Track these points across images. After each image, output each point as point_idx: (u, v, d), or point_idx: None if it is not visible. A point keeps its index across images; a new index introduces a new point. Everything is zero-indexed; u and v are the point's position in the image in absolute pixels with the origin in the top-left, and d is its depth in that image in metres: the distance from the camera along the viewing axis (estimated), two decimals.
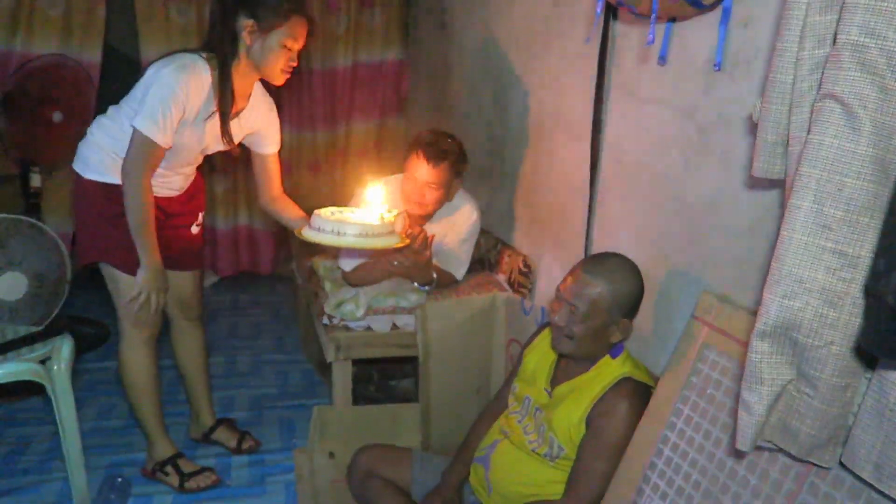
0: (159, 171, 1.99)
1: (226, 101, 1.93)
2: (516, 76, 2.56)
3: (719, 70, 1.43)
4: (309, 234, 1.88)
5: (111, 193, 1.98)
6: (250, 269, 4.25)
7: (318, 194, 4.18)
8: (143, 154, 1.87)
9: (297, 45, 1.90)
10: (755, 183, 1.33)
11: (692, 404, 1.36)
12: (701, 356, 1.38)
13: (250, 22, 1.85)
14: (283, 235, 4.21)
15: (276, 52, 1.88)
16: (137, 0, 3.59)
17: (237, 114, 2.03)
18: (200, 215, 2.29)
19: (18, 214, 2.48)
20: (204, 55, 1.91)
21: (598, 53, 1.88)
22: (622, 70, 1.82)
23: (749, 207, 1.37)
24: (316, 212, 1.89)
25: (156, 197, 2.00)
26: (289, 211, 2.21)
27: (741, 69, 1.38)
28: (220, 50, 1.90)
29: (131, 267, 2.02)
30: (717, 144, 1.46)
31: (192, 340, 2.41)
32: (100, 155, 1.98)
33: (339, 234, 1.82)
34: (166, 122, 1.85)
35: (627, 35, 1.79)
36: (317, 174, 4.23)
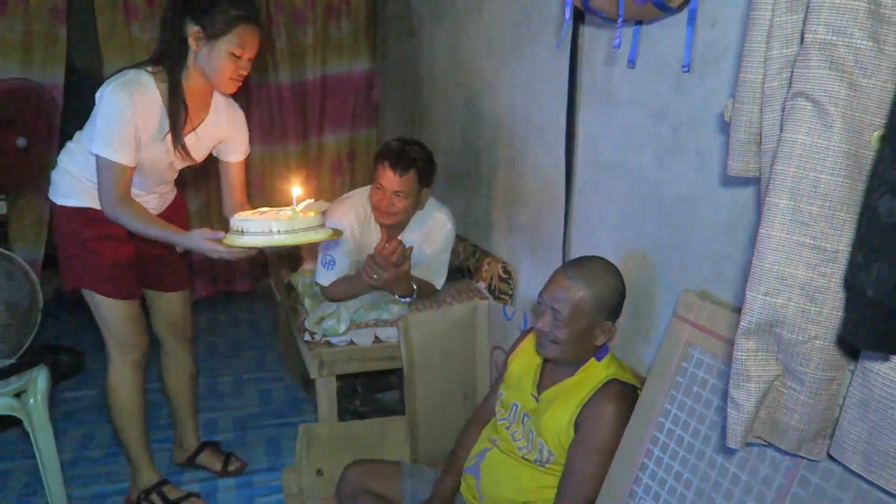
0: (134, 192, 1.95)
1: (176, 113, 1.89)
2: (488, 82, 2.57)
3: (688, 71, 1.44)
4: (234, 240, 1.76)
5: (84, 217, 1.97)
6: (227, 287, 4.20)
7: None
8: (111, 178, 1.85)
9: (246, 54, 1.86)
10: (731, 180, 1.34)
11: (679, 403, 1.37)
12: (685, 355, 1.39)
13: (196, 28, 1.82)
14: (260, 252, 4.17)
15: (224, 60, 1.84)
16: (99, 18, 3.54)
17: (196, 126, 1.99)
18: None
19: None
20: (149, 69, 1.88)
21: (568, 58, 1.89)
22: (593, 73, 1.83)
23: (726, 204, 1.38)
24: (236, 215, 1.80)
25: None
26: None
27: (710, 69, 1.40)
28: (169, 59, 1.87)
29: (111, 290, 2.02)
30: (691, 143, 1.48)
31: (181, 363, 2.38)
32: (70, 181, 1.98)
33: (269, 232, 1.72)
34: (122, 140, 1.82)
35: (597, 38, 1.81)
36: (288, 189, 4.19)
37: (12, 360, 2.01)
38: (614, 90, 1.74)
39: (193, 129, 1.98)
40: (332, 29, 4.07)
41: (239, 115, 2.12)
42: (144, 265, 2.13)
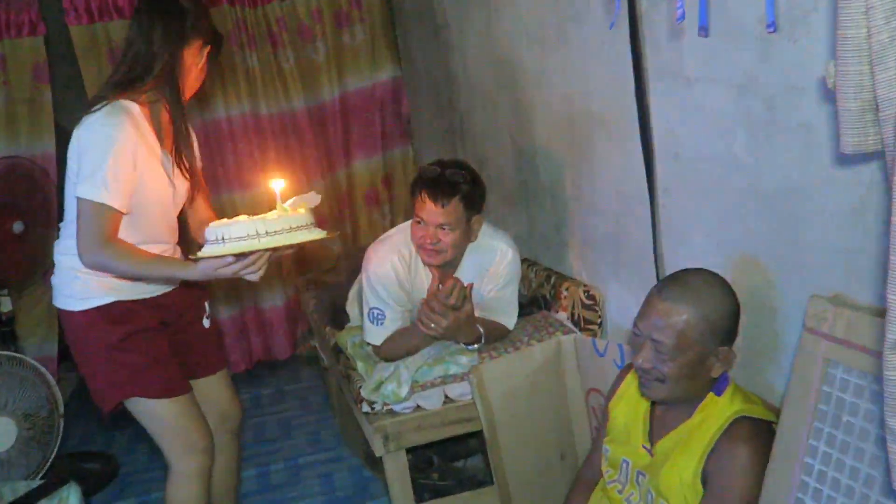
0: (151, 248, 2.03)
1: (180, 130, 2.06)
2: (534, 77, 2.58)
3: (775, 31, 1.42)
4: (210, 251, 1.76)
5: (110, 315, 2.03)
6: (265, 357, 4.30)
7: (330, 254, 4.24)
8: (96, 222, 1.88)
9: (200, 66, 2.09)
10: (848, 157, 1.31)
11: (828, 438, 1.33)
12: (825, 377, 1.35)
13: (206, 45, 2.06)
14: (296, 309, 4.27)
15: (203, 65, 2.08)
16: (85, 72, 3.74)
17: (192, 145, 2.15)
18: (206, 305, 2.33)
19: None
20: (119, 94, 1.97)
21: (628, 35, 1.89)
22: (658, 50, 1.83)
23: (846, 187, 1.35)
24: (212, 224, 1.82)
25: (152, 298, 2.10)
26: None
27: (800, 26, 1.38)
28: (161, 76, 2.00)
29: (163, 389, 2.07)
30: (790, 118, 1.45)
31: (229, 457, 2.42)
32: (82, 279, 2.02)
33: (258, 235, 1.73)
34: (117, 179, 1.88)
35: (657, 7, 1.80)
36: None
37: (40, 482, 2.11)
38: (686, 66, 1.73)
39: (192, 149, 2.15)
40: (344, 39, 4.18)
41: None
42: (184, 349, 2.21)
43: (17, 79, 3.66)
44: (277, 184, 1.85)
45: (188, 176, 2.11)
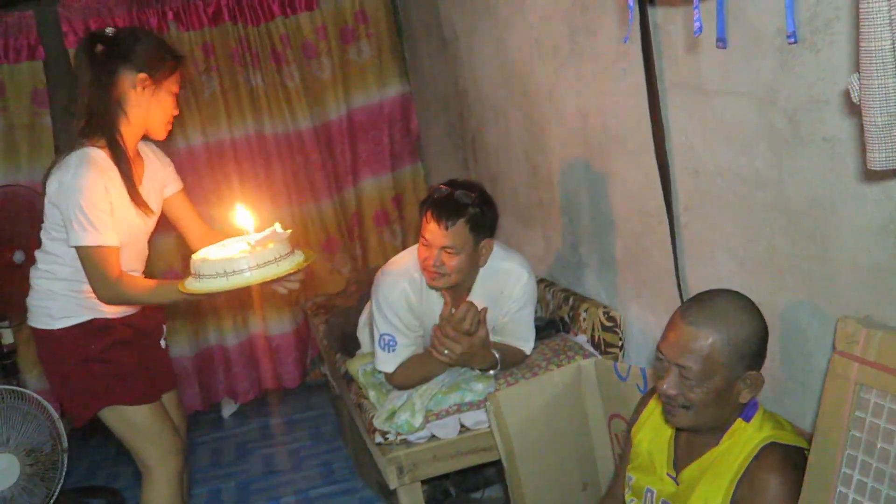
0: (90, 294, 2.17)
1: (127, 168, 2.15)
2: (546, 91, 2.59)
3: (795, 42, 1.42)
4: (196, 286, 1.93)
5: (89, 330, 2.22)
6: (274, 386, 4.31)
7: (339, 277, 4.25)
8: (103, 263, 2.08)
9: (178, 90, 2.23)
10: (875, 172, 1.31)
11: (862, 466, 1.31)
12: (858, 401, 1.34)
13: (143, 76, 2.12)
14: (305, 335, 4.27)
15: (166, 101, 2.19)
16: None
17: (142, 178, 2.25)
18: (164, 328, 2.51)
19: None
20: (85, 142, 2.11)
21: (640, 48, 1.90)
22: (675, 63, 1.83)
23: (875, 202, 1.35)
24: (194, 257, 1.99)
25: (122, 318, 2.27)
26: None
27: (822, 36, 1.38)
28: (104, 117, 2.11)
29: (141, 395, 2.25)
30: (815, 131, 1.45)
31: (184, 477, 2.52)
32: (62, 300, 2.21)
33: (229, 273, 1.89)
34: (104, 221, 2.07)
35: (672, 19, 1.81)
36: (332, 254, 4.30)
37: None
38: (704, 79, 1.74)
39: (140, 183, 2.25)
40: (350, 55, 4.22)
41: (162, 154, 2.43)
42: (149, 364, 2.36)
43: (17, 104, 3.71)
44: (245, 218, 2.04)
45: (146, 211, 2.23)
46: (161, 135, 2.24)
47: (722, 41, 1.63)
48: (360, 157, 4.33)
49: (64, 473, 2.74)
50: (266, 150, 4.11)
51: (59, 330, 2.21)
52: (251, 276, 1.92)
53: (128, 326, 2.30)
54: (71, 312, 2.21)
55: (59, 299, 2.21)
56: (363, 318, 2.77)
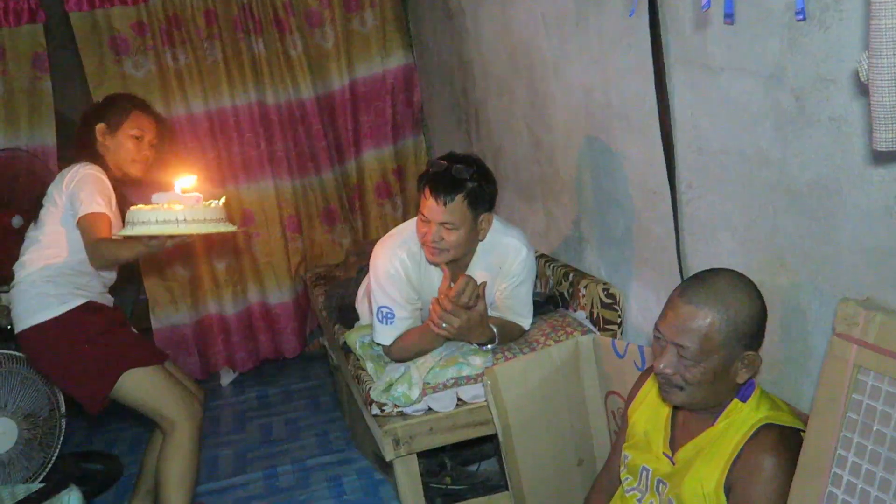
0: (84, 280, 2.50)
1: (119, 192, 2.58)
2: (552, 64, 2.57)
3: (804, 19, 1.40)
4: (131, 231, 2.18)
5: (90, 310, 2.48)
6: (273, 355, 4.32)
7: (338, 249, 4.25)
8: (96, 228, 2.36)
9: (146, 136, 2.62)
10: (882, 154, 1.29)
11: (857, 448, 1.31)
12: (855, 383, 1.34)
13: (102, 125, 2.59)
14: (305, 306, 4.28)
15: (127, 145, 2.59)
16: (86, 61, 3.76)
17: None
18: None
19: None
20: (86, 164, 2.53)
21: (647, 23, 1.87)
22: (681, 38, 1.81)
23: (879, 184, 1.33)
24: (132, 209, 2.24)
25: (103, 303, 2.57)
26: None
27: (832, 14, 1.35)
28: (90, 158, 2.56)
29: (151, 356, 2.53)
30: (821, 111, 1.43)
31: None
32: (58, 288, 2.45)
33: (166, 221, 2.16)
34: (106, 199, 2.44)
35: None
36: (333, 225, 4.30)
37: (40, 486, 2.13)
38: (711, 55, 1.71)
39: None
40: (354, 24, 4.18)
41: None
42: (140, 340, 2.65)
43: (17, 68, 3.68)
44: (185, 180, 2.32)
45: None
46: (134, 173, 2.63)
47: (730, 17, 1.61)
48: (363, 128, 4.31)
49: (62, 438, 2.76)
50: (268, 118, 4.08)
51: (62, 315, 2.43)
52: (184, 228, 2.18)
53: (112, 310, 2.60)
54: (72, 295, 2.46)
55: (58, 287, 2.46)
56: (362, 290, 2.77)
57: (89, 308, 2.48)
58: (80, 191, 2.42)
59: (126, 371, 2.44)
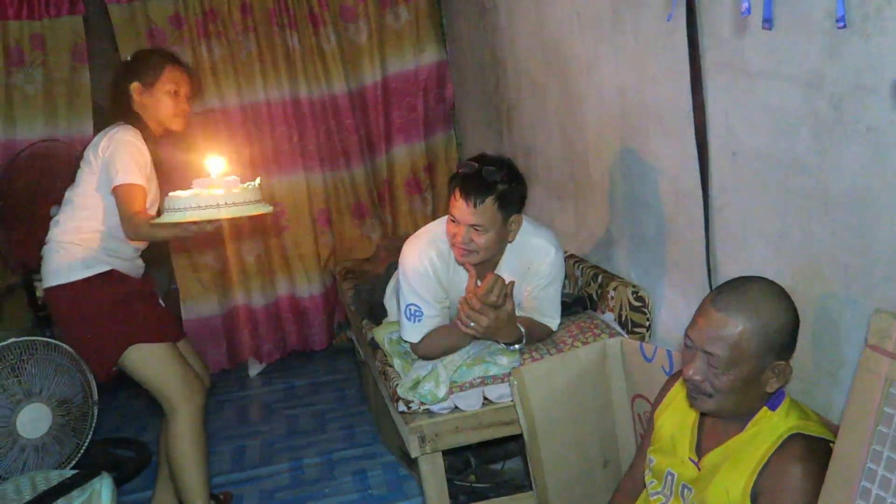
0: (114, 245, 2.51)
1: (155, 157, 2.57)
2: (586, 64, 2.56)
3: (845, 26, 1.39)
4: (167, 218, 2.20)
5: (111, 279, 2.50)
6: (300, 347, 4.35)
7: (369, 243, 4.27)
8: (134, 200, 2.38)
9: (182, 89, 2.59)
10: None
11: (888, 462, 1.30)
12: (888, 397, 1.32)
13: (136, 84, 2.55)
14: (334, 299, 4.31)
15: (165, 101, 2.56)
16: (123, 53, 3.81)
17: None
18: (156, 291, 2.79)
19: (28, 333, 2.65)
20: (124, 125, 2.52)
21: (685, 25, 1.86)
22: (719, 42, 1.79)
23: None
24: (170, 194, 2.23)
25: (131, 275, 2.58)
26: None
27: (873, 22, 1.34)
28: (126, 118, 2.54)
29: (164, 334, 2.56)
30: (859, 120, 1.42)
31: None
32: (85, 252, 2.47)
33: (201, 207, 2.15)
34: (141, 168, 2.44)
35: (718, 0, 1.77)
36: (362, 220, 4.32)
37: (73, 472, 2.17)
38: (748, 60, 1.70)
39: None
40: (388, 19, 4.19)
41: None
42: (164, 315, 2.69)
43: (56, 59, 3.75)
44: (215, 163, 2.29)
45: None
46: (176, 128, 2.60)
47: (768, 22, 1.60)
48: (394, 123, 4.33)
49: (94, 425, 2.81)
50: (300, 113, 4.12)
51: (83, 280, 2.47)
52: (222, 211, 2.17)
53: (138, 281, 2.62)
54: (94, 263, 2.48)
55: (86, 251, 2.48)
56: (390, 287, 2.79)
57: (111, 277, 2.51)
58: (115, 159, 2.42)
59: (133, 345, 2.48)
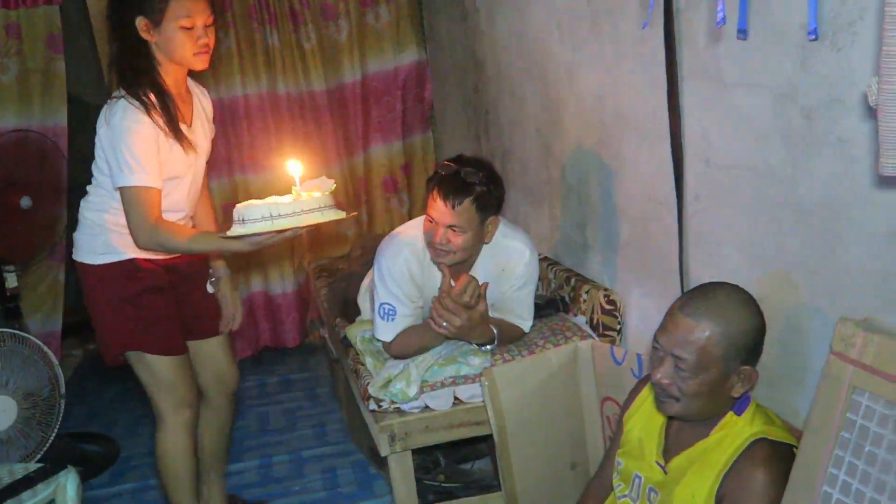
0: (169, 216, 2.23)
1: (168, 108, 2.18)
2: (564, 69, 2.57)
3: (816, 38, 1.41)
4: (236, 230, 1.99)
5: (128, 270, 2.27)
6: (273, 344, 4.33)
7: (344, 241, 4.26)
8: (142, 204, 2.11)
9: (197, 21, 2.13)
10: (888, 179, 1.30)
11: (849, 468, 1.32)
12: (850, 403, 1.34)
13: (143, 21, 2.11)
14: (307, 296, 4.29)
15: (177, 37, 2.12)
16: (99, 43, 3.77)
17: (191, 119, 2.30)
18: (212, 271, 2.54)
19: None
20: (121, 93, 2.14)
21: (662, 33, 1.88)
22: (695, 50, 1.82)
23: (885, 208, 1.34)
24: (237, 206, 2.02)
25: (155, 261, 2.30)
26: (202, 212, 2.49)
27: (844, 35, 1.36)
28: (136, 67, 2.16)
29: (161, 346, 2.31)
30: (830, 131, 1.44)
31: (225, 418, 2.66)
32: (103, 235, 2.25)
33: (272, 217, 1.94)
34: (148, 161, 2.11)
35: (696, 7, 1.79)
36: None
37: (38, 465, 2.14)
38: (723, 70, 1.72)
39: (192, 118, 2.30)
40: (369, 19, 4.19)
41: (205, 92, 2.47)
42: (183, 313, 2.42)
43: (32, 48, 3.70)
44: (295, 167, 2.03)
45: (188, 150, 2.24)
46: (196, 65, 2.20)
47: (743, 32, 1.62)
48: (372, 122, 4.32)
49: (60, 419, 2.78)
50: (278, 110, 4.10)
51: (99, 266, 2.27)
52: (295, 220, 1.95)
53: (167, 270, 2.34)
54: (114, 249, 2.25)
55: (104, 234, 2.25)
56: (364, 285, 2.78)
57: (129, 267, 2.26)
58: (115, 155, 2.11)
59: (133, 351, 2.31)
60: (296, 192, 2.00)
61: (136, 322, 2.29)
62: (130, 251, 2.25)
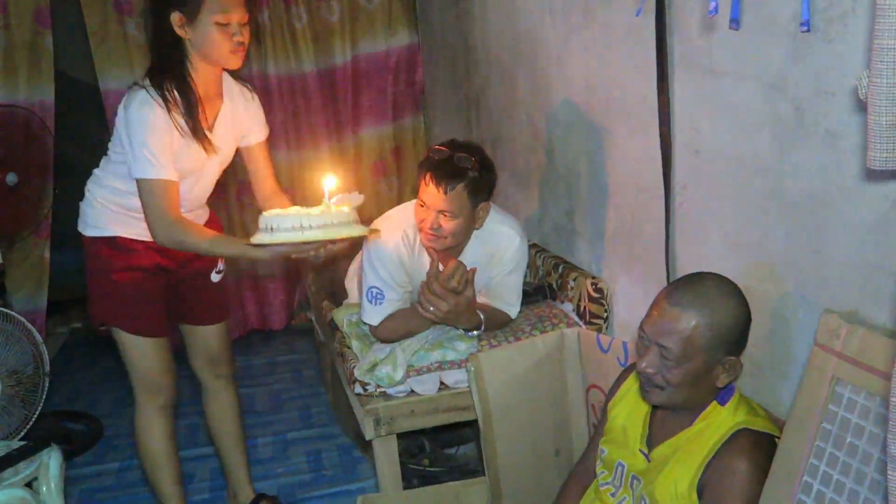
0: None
1: (192, 107, 2.16)
2: (556, 56, 2.56)
3: (808, 30, 1.41)
4: (263, 238, 1.97)
5: (113, 246, 2.27)
6: (259, 326, 4.33)
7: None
8: (157, 197, 2.11)
9: (233, 18, 2.08)
10: (875, 173, 1.30)
11: (829, 458, 1.33)
12: (833, 395, 1.36)
13: (178, 16, 2.08)
14: (295, 279, 4.29)
15: (212, 34, 2.08)
16: (87, 18, 3.73)
17: (215, 117, 2.26)
18: (220, 261, 2.50)
19: None
20: (145, 83, 2.13)
21: (654, 21, 1.87)
22: (687, 40, 1.81)
23: (872, 201, 1.34)
24: (265, 213, 2.03)
25: (144, 242, 2.27)
26: (279, 202, 2.41)
27: (836, 27, 1.36)
28: (168, 61, 2.14)
29: (136, 327, 2.31)
30: (819, 123, 1.44)
31: (224, 403, 2.63)
32: (100, 210, 2.27)
33: (299, 228, 1.93)
34: (163, 153, 2.10)
35: None
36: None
37: (21, 444, 2.14)
38: (715, 60, 1.72)
39: (214, 121, 2.26)
40: (361, 0, 4.14)
41: (254, 101, 2.41)
42: (178, 297, 2.43)
43: (18, 22, 3.65)
44: (328, 181, 2.05)
45: (209, 150, 2.22)
46: (230, 64, 2.16)
47: (735, 22, 1.62)
48: (363, 105, 4.29)
49: (44, 397, 2.77)
50: (268, 89, 4.06)
51: (88, 238, 2.29)
52: (323, 233, 1.95)
53: (156, 252, 2.30)
54: (101, 223, 2.27)
55: (97, 208, 2.27)
56: (352, 269, 2.78)
57: (117, 243, 2.26)
58: (130, 144, 2.09)
59: (110, 325, 2.32)
60: (326, 204, 2.02)
61: (117, 299, 2.30)
62: (117, 229, 2.26)
